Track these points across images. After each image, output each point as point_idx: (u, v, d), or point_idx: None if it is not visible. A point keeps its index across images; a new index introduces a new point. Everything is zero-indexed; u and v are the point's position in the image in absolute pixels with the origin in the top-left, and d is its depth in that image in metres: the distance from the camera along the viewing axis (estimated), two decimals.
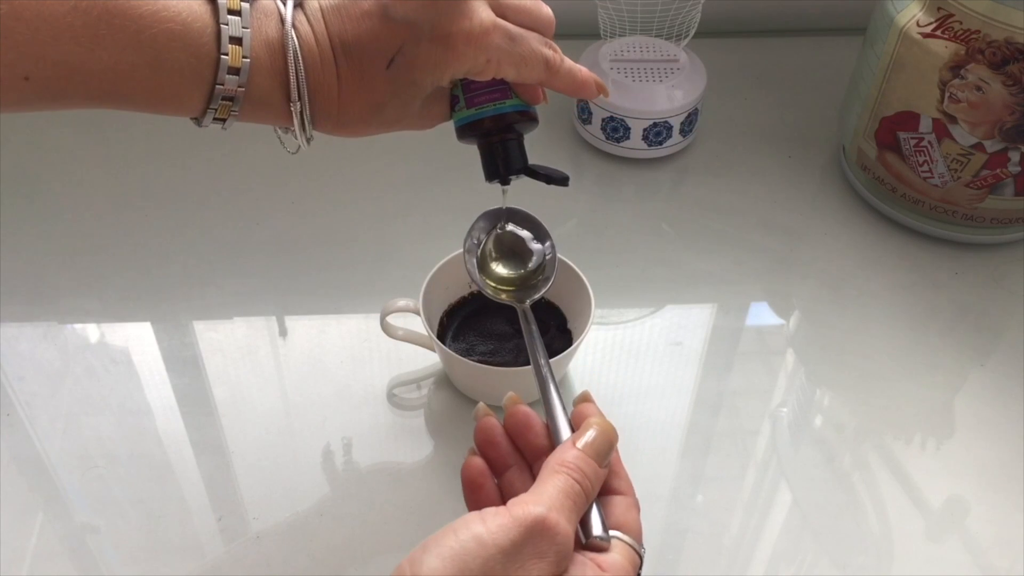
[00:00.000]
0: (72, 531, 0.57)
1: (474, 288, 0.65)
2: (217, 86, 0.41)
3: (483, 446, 0.43)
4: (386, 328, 0.62)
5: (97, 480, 0.59)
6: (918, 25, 0.65)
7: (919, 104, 0.67)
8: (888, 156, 0.71)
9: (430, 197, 0.77)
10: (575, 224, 0.76)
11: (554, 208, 0.76)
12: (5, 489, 0.58)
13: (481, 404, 0.43)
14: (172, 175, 0.78)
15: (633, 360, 0.67)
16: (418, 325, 0.61)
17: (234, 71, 0.41)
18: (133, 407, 0.63)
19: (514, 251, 0.54)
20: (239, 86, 0.42)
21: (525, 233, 0.54)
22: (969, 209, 0.70)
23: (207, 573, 0.55)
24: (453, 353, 0.58)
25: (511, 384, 0.52)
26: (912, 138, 0.69)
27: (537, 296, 0.51)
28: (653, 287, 0.72)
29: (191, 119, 0.44)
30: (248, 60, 0.41)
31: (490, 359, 0.62)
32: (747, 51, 0.91)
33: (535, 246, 0.53)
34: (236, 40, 0.41)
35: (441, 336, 0.62)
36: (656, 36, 0.80)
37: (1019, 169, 0.67)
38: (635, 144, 0.78)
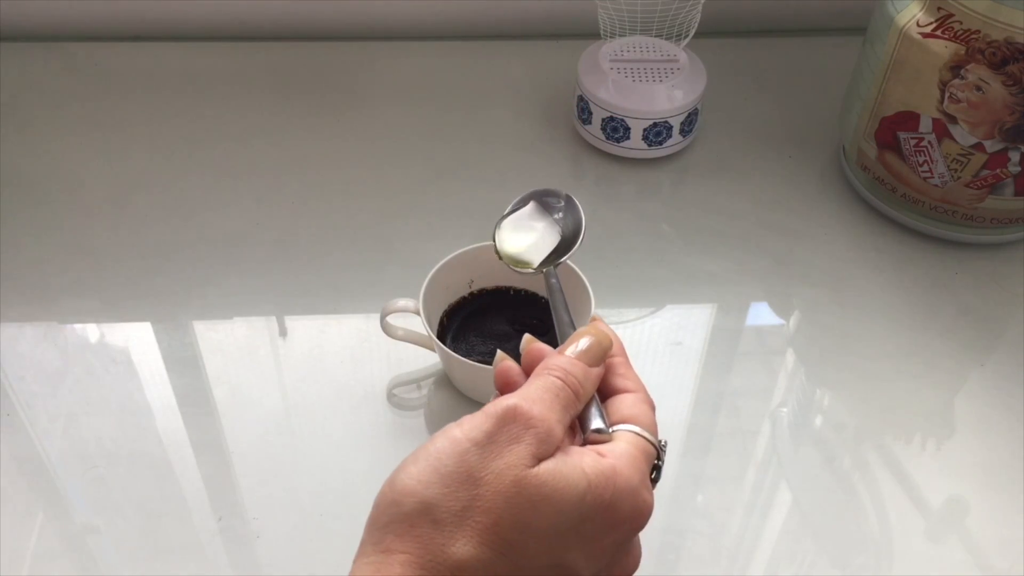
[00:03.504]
0: (72, 531, 0.57)
1: (474, 288, 0.65)
2: None
3: (503, 389, 0.42)
4: (386, 328, 0.62)
5: (97, 480, 0.59)
6: (918, 25, 0.65)
7: (919, 104, 0.67)
8: (888, 156, 0.71)
9: (430, 198, 0.77)
10: None
11: None
12: (5, 489, 0.58)
13: (500, 351, 0.43)
14: (172, 175, 0.78)
15: (633, 360, 0.66)
16: (418, 325, 0.61)
17: None
18: (133, 407, 0.63)
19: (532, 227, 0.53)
20: None
21: (542, 219, 0.53)
22: (969, 209, 0.70)
23: (207, 573, 0.55)
24: (453, 353, 0.58)
25: None
26: (912, 138, 0.69)
27: (561, 260, 0.51)
28: (653, 287, 0.72)
29: None
30: None
31: (490, 359, 0.61)
32: (747, 51, 0.91)
33: (553, 221, 0.53)
34: None
35: (441, 336, 0.62)
36: (656, 36, 0.80)
37: (1019, 169, 0.67)
38: (635, 144, 0.78)
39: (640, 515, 0.37)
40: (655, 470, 0.40)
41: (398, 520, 0.35)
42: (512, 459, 0.35)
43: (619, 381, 0.41)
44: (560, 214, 0.53)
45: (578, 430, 0.40)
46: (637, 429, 0.39)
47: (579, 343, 0.40)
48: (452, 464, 0.35)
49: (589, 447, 0.38)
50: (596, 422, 0.39)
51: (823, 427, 0.64)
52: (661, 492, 0.60)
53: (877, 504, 0.59)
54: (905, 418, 0.64)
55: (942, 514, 0.59)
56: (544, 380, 0.38)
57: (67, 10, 0.88)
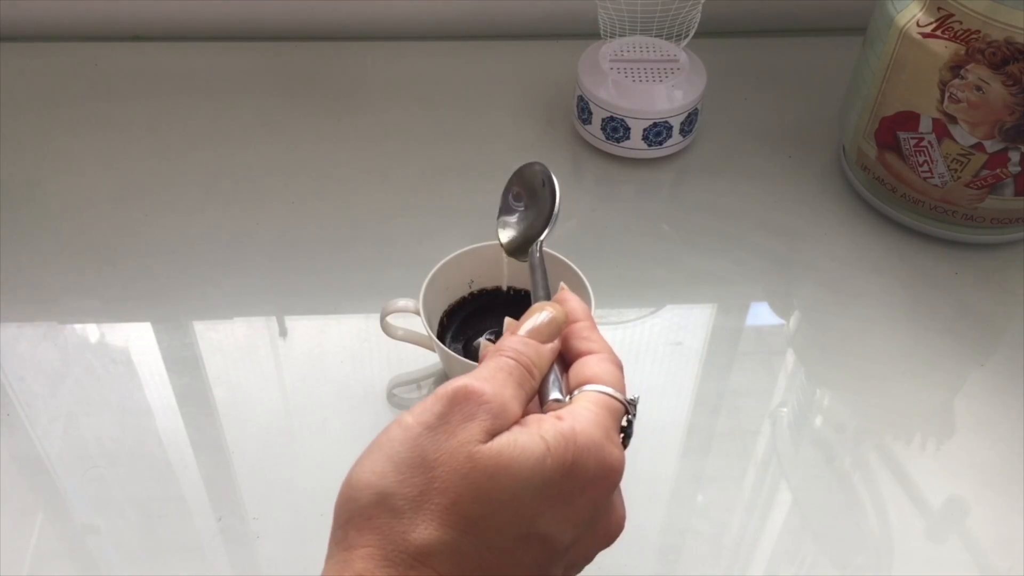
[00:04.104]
0: (72, 531, 0.57)
1: (474, 288, 0.65)
2: None
3: None
4: (386, 328, 0.62)
5: (97, 480, 0.59)
6: (918, 25, 0.65)
7: (919, 104, 0.67)
8: (888, 156, 0.71)
9: (430, 198, 0.77)
10: (575, 224, 0.76)
11: None
12: (5, 489, 0.58)
13: (484, 341, 0.43)
14: (172, 175, 0.78)
15: (633, 360, 0.67)
16: (418, 325, 0.61)
17: None
18: (133, 407, 0.63)
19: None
20: None
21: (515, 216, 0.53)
22: (969, 209, 0.70)
23: (207, 573, 0.55)
24: (453, 353, 0.58)
25: None
26: (912, 138, 0.69)
27: (540, 237, 0.50)
28: (653, 287, 0.72)
29: None
30: None
31: None
32: (747, 51, 0.91)
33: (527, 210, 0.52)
34: None
35: (441, 336, 0.62)
36: (656, 36, 0.80)
37: (1019, 169, 0.67)
38: (635, 144, 0.78)
39: (609, 471, 0.36)
40: (627, 425, 0.39)
41: (356, 515, 0.34)
42: (465, 436, 0.34)
43: (582, 344, 0.40)
44: (534, 197, 0.52)
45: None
46: (599, 387, 0.38)
47: (533, 319, 0.40)
48: (405, 451, 0.34)
49: (548, 414, 0.37)
50: (554, 393, 0.38)
51: (823, 427, 0.64)
52: (662, 492, 0.60)
53: (877, 504, 0.59)
54: (905, 418, 0.64)
55: (942, 514, 0.59)
56: (495, 361, 0.38)
57: (67, 10, 0.88)
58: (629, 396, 0.39)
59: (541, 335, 0.39)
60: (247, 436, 0.61)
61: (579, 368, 0.39)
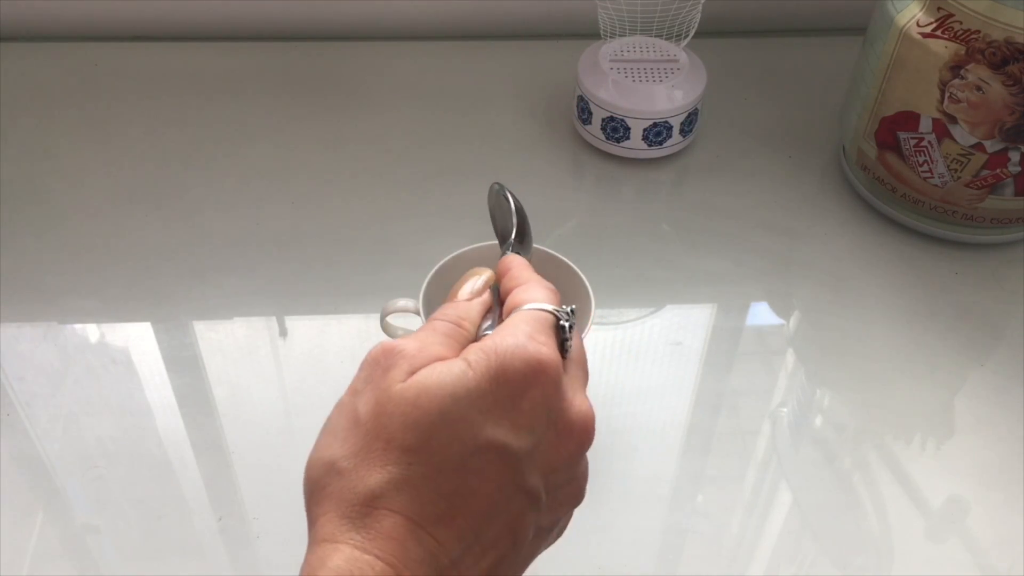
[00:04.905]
0: (72, 531, 0.57)
1: None
2: None
3: None
4: (386, 328, 0.62)
5: (97, 480, 0.59)
6: (918, 25, 0.65)
7: (919, 104, 0.67)
8: (888, 156, 0.71)
9: (430, 197, 0.77)
10: (575, 224, 0.76)
11: (554, 208, 0.76)
12: (5, 489, 0.58)
13: None
14: (172, 175, 0.78)
15: (633, 360, 0.67)
16: (418, 325, 0.60)
17: None
18: (133, 407, 0.63)
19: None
20: None
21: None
22: (969, 209, 0.70)
23: (207, 573, 0.55)
24: None
25: None
26: (912, 138, 0.69)
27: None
28: (653, 287, 0.72)
29: None
30: None
31: None
32: (747, 51, 0.91)
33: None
34: None
35: None
36: (656, 36, 0.80)
37: (1019, 169, 0.67)
38: (635, 144, 0.78)
39: (539, 366, 0.36)
40: (564, 330, 0.39)
41: (314, 491, 0.35)
42: (386, 383, 0.35)
43: (512, 283, 0.42)
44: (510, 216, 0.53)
45: None
46: (525, 306, 0.39)
47: (467, 286, 0.42)
48: (341, 420, 0.36)
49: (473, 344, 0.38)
50: (488, 332, 0.40)
51: (823, 427, 0.64)
52: (662, 492, 0.60)
53: (877, 504, 0.59)
54: (905, 418, 0.64)
55: (942, 514, 0.59)
56: (422, 327, 0.40)
57: (67, 10, 0.88)
58: (564, 308, 0.40)
59: (467, 294, 0.42)
60: (247, 436, 0.61)
61: (509, 301, 0.41)
